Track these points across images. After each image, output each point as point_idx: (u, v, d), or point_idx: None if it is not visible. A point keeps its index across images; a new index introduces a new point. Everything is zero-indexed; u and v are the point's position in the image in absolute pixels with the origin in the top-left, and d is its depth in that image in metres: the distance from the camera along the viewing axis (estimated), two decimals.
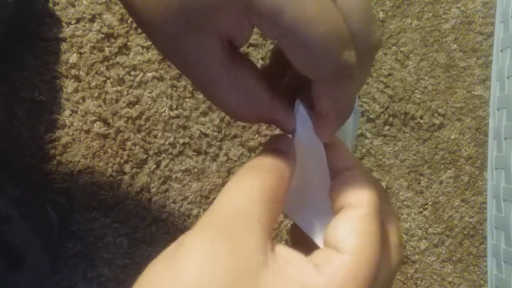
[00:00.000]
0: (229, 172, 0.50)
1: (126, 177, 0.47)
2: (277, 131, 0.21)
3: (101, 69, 0.47)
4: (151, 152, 0.48)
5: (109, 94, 0.47)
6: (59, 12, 0.46)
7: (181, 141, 0.48)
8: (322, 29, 0.15)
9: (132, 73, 0.47)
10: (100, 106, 0.47)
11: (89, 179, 0.46)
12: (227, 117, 0.50)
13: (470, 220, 0.55)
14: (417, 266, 0.54)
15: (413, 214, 0.54)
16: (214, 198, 0.20)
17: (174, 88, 0.48)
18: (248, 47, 0.50)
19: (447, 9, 0.56)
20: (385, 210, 0.19)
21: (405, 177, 0.54)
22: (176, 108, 0.48)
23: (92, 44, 0.46)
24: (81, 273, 0.46)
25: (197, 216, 0.49)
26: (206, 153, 0.49)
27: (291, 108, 0.20)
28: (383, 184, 0.54)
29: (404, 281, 0.54)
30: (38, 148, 0.45)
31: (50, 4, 0.46)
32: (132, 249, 0.47)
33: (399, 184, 0.54)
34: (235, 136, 0.50)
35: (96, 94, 0.46)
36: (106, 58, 0.47)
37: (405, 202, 0.54)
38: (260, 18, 0.15)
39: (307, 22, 0.15)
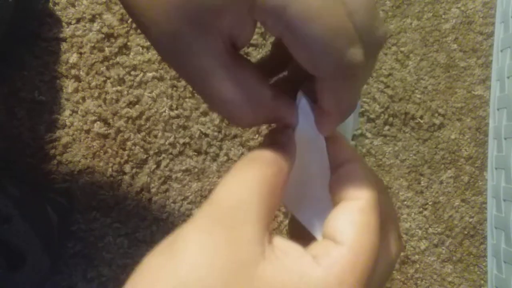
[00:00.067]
0: None
1: (126, 177, 0.47)
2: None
3: (101, 69, 0.47)
4: (151, 152, 0.48)
5: (109, 94, 0.47)
6: (59, 12, 0.46)
7: (181, 141, 0.48)
8: (327, 26, 0.15)
9: (132, 73, 0.47)
10: (100, 106, 0.47)
11: (89, 179, 0.46)
12: None
13: (470, 220, 0.55)
14: (417, 266, 0.54)
15: (413, 214, 0.54)
16: None
17: (174, 88, 0.48)
18: (248, 47, 0.50)
19: (447, 9, 0.56)
20: (384, 203, 0.18)
21: (405, 177, 0.54)
22: (176, 108, 0.48)
23: (92, 44, 0.46)
24: (81, 273, 0.46)
25: None
26: (206, 153, 0.49)
27: (293, 103, 0.19)
28: None
29: (404, 281, 0.54)
30: (38, 148, 0.45)
31: (50, 4, 0.46)
32: (132, 249, 0.47)
33: (399, 184, 0.54)
34: (235, 136, 0.50)
35: (96, 94, 0.46)
36: (106, 58, 0.47)
37: (405, 202, 0.54)
38: (264, 13, 0.15)
39: (311, 18, 0.15)
